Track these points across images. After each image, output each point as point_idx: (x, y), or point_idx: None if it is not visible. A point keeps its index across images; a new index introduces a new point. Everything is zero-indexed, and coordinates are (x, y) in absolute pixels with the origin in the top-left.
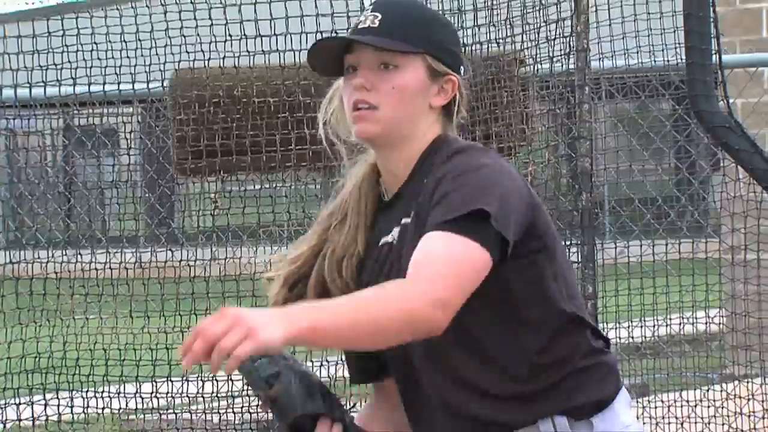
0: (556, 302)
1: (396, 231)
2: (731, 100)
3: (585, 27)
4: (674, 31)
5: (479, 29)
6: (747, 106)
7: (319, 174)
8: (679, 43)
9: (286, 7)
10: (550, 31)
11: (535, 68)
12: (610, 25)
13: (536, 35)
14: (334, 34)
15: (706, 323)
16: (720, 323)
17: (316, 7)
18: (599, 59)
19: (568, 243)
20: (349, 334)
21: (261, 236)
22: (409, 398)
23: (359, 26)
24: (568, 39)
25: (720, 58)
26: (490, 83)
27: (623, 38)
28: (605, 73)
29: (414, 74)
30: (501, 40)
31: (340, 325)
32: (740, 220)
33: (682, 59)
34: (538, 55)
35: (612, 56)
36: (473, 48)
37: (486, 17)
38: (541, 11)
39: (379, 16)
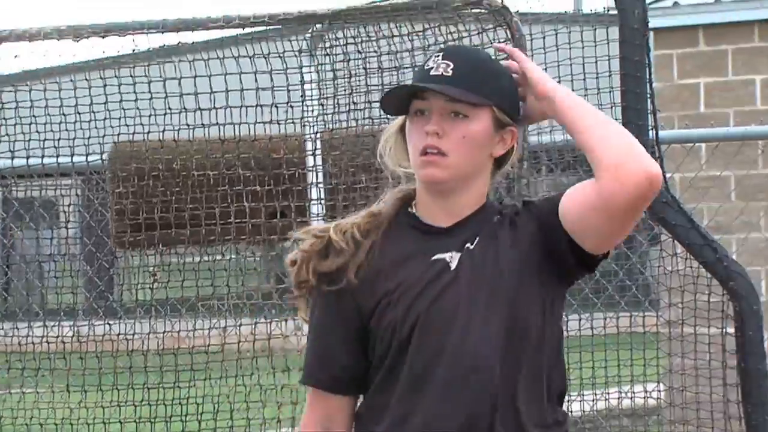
0: (563, 363)
1: (455, 256)
2: (669, 175)
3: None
4: (611, 107)
5: None
6: (684, 181)
7: (259, 247)
8: (617, 119)
9: (226, 81)
10: None
11: None
12: None
13: None
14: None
15: (644, 397)
16: (658, 397)
17: (256, 81)
18: (538, 134)
19: None
20: (584, 115)
21: (200, 309)
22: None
23: (431, 73)
24: None
25: (657, 133)
26: None
27: None
28: (544, 148)
29: (482, 125)
30: None
31: (584, 106)
32: (677, 294)
33: None
34: None
35: (550, 131)
36: None
37: None
38: None
39: (452, 65)
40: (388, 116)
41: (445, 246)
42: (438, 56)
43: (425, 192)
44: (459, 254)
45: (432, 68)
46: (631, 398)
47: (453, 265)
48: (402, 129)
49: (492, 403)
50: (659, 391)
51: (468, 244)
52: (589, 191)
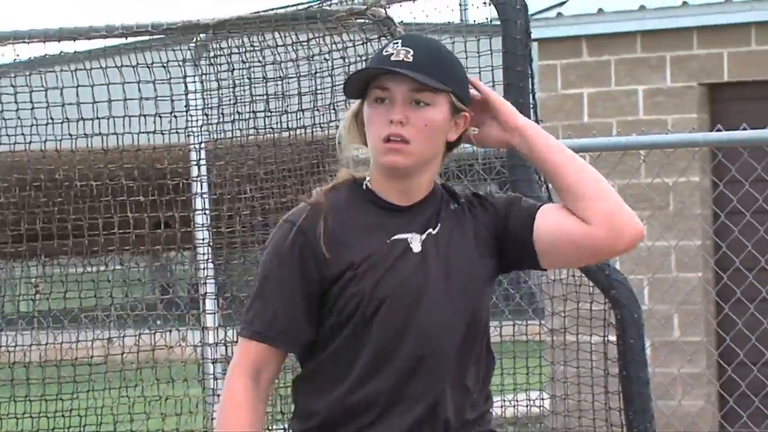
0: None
1: (416, 237)
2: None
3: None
4: None
5: (303, 113)
6: None
7: (143, 257)
8: None
9: (109, 91)
10: None
11: (360, 152)
12: None
13: None
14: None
15: (527, 406)
16: (541, 406)
17: (139, 90)
18: None
19: None
20: (567, 161)
21: (83, 321)
22: (389, 371)
23: (392, 58)
24: None
25: None
26: (314, 167)
27: None
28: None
29: (442, 112)
30: (325, 125)
31: (556, 145)
32: (561, 302)
33: None
34: None
35: None
36: (297, 132)
37: (311, 101)
38: None
39: (411, 52)
40: (273, 126)
41: (404, 226)
42: (397, 43)
43: (382, 175)
44: (420, 237)
45: (392, 54)
46: (514, 406)
47: (415, 248)
48: (356, 114)
49: (448, 383)
50: (542, 399)
51: (431, 229)
52: (575, 228)
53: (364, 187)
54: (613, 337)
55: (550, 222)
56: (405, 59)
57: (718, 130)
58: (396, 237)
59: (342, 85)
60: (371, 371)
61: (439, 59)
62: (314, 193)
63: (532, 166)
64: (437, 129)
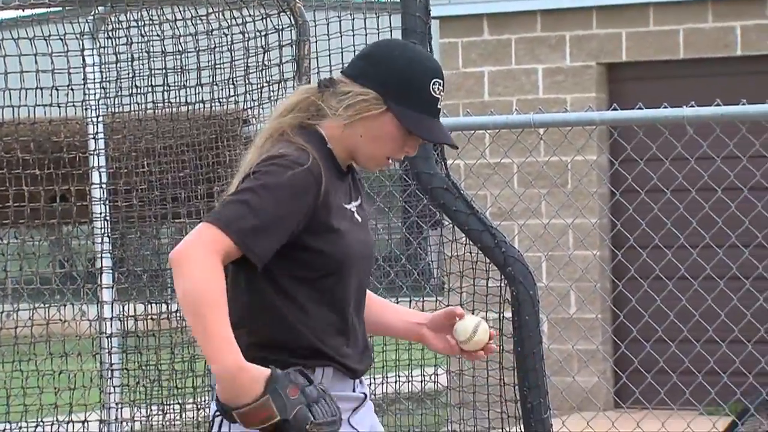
0: None
1: (354, 206)
2: (451, 162)
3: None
4: None
5: (202, 88)
6: (468, 168)
7: (39, 231)
8: None
9: (5, 63)
10: (272, 91)
11: (258, 127)
12: None
13: (259, 95)
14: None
15: (421, 381)
16: (436, 381)
17: (36, 63)
18: None
19: None
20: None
21: None
22: (354, 308)
23: (439, 107)
24: None
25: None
26: (213, 142)
27: None
28: None
29: None
30: (224, 100)
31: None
32: (457, 279)
33: None
34: (261, 115)
35: None
36: (195, 107)
37: (209, 76)
38: (264, 72)
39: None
40: (171, 101)
41: (348, 193)
42: (440, 86)
43: (347, 156)
44: (355, 206)
45: (438, 101)
46: (410, 382)
47: (358, 218)
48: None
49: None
50: (438, 375)
51: (356, 201)
52: None
53: (328, 146)
54: (509, 314)
55: None
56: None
57: (615, 110)
58: (347, 206)
59: (383, 87)
60: (351, 325)
61: None
62: (303, 153)
63: (429, 144)
64: None
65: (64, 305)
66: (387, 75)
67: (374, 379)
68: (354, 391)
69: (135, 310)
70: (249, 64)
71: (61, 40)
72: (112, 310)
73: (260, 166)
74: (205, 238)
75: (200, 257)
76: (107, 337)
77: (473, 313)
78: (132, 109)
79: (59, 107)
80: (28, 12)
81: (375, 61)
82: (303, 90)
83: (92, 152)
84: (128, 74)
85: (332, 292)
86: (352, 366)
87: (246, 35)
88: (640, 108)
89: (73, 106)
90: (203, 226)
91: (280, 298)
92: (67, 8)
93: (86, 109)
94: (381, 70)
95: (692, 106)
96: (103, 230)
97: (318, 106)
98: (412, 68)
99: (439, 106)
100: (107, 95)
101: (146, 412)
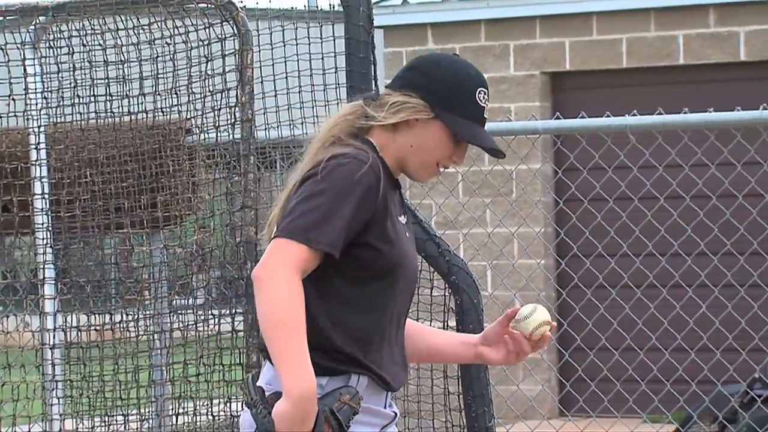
0: None
1: (404, 220)
2: None
3: (250, 98)
4: (337, 103)
5: (145, 98)
6: None
7: None
8: None
9: None
10: (215, 100)
11: (201, 137)
12: (275, 96)
13: (202, 104)
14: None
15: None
16: None
17: None
18: (265, 129)
19: (233, 311)
20: None
21: None
22: (391, 320)
23: (485, 116)
24: (233, 109)
25: None
26: (156, 152)
27: (288, 109)
28: (271, 143)
29: None
30: (167, 109)
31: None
32: None
33: None
34: (204, 124)
35: (278, 126)
36: (138, 116)
37: (152, 86)
38: (207, 81)
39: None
40: (114, 110)
41: (400, 206)
42: (485, 95)
43: (402, 169)
44: (405, 219)
45: (484, 110)
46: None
47: (407, 234)
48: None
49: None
50: None
51: (404, 218)
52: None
53: (382, 157)
54: (453, 322)
55: None
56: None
57: (558, 119)
58: (400, 218)
59: (433, 97)
60: (389, 346)
61: None
62: (362, 151)
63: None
64: None
65: (7, 316)
66: (433, 84)
67: None
68: (385, 407)
69: (78, 321)
70: (192, 74)
71: (2, 49)
72: (55, 321)
73: (323, 166)
74: (285, 255)
75: (281, 276)
76: (50, 348)
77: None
78: (74, 119)
79: (0, 117)
80: None
81: (420, 72)
82: (351, 104)
83: (34, 162)
84: (70, 84)
85: (379, 298)
86: (388, 379)
87: (189, 44)
88: (583, 117)
89: (15, 116)
90: (282, 242)
91: (327, 298)
92: (7, 18)
93: (28, 119)
94: (427, 80)
95: (635, 114)
96: (45, 241)
97: (367, 113)
98: (458, 77)
99: (485, 115)
100: (49, 105)
101: (90, 423)
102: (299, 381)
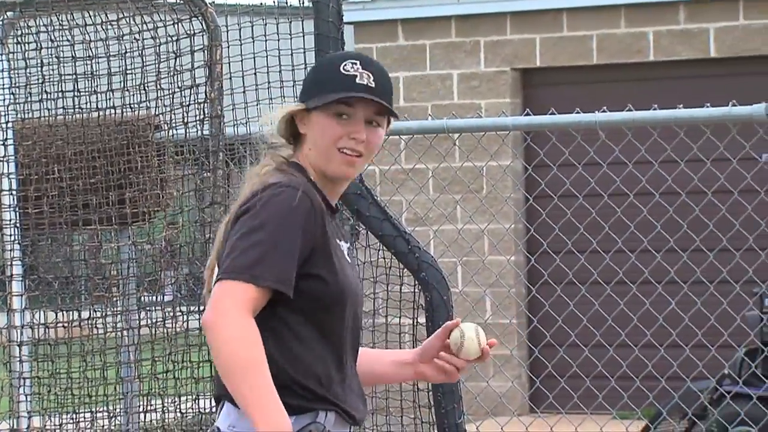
0: None
1: (344, 246)
2: (367, 167)
3: (219, 94)
4: None
5: (113, 93)
6: (382, 174)
7: None
8: None
9: None
10: (184, 96)
11: (170, 133)
12: (244, 92)
13: (171, 100)
14: None
15: None
16: None
17: None
18: (234, 125)
19: (202, 308)
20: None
21: None
22: (346, 348)
23: (357, 81)
24: (202, 105)
25: None
26: (124, 148)
27: (258, 105)
28: (240, 140)
29: (383, 132)
30: (135, 105)
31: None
32: (371, 285)
33: None
34: (173, 120)
35: (247, 123)
36: (107, 112)
37: (120, 81)
38: (176, 77)
39: (372, 77)
40: (82, 106)
41: (339, 231)
42: (356, 64)
43: (327, 178)
44: (347, 246)
45: (356, 77)
46: None
47: (348, 258)
48: (292, 117)
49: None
50: None
51: (345, 243)
52: None
53: (312, 179)
54: (423, 319)
55: None
56: (369, 84)
57: (528, 115)
58: (340, 243)
59: (302, 95)
60: (345, 371)
61: (390, 85)
62: (294, 177)
63: None
64: (379, 146)
65: None
66: (304, 83)
67: None
68: None
69: (46, 317)
70: (160, 69)
71: None
72: (22, 318)
73: (258, 197)
74: (232, 296)
75: (233, 318)
76: (18, 345)
77: (386, 319)
78: (42, 115)
79: None
80: None
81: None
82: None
83: (1, 159)
84: (38, 80)
85: (332, 328)
86: (353, 413)
87: (157, 40)
88: (552, 113)
89: None
90: (226, 285)
91: (281, 335)
92: None
93: None
94: (303, 85)
95: (605, 111)
96: (13, 237)
97: (273, 146)
98: (320, 64)
99: (361, 81)
100: (16, 101)
101: (58, 420)
102: (275, 425)
